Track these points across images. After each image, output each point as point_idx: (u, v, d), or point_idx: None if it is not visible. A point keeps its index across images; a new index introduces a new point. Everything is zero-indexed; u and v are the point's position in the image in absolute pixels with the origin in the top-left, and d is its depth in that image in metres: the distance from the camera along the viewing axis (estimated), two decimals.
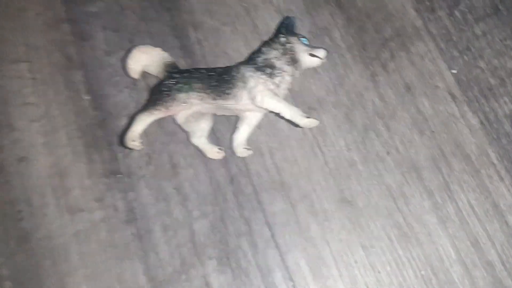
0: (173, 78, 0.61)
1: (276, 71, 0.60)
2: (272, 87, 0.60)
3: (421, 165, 0.63)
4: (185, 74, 0.61)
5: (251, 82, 0.59)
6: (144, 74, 0.65)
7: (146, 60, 0.63)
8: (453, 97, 0.65)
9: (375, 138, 0.64)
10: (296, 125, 0.58)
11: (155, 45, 0.65)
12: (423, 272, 0.60)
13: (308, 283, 0.60)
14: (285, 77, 0.60)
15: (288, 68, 0.60)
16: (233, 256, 0.61)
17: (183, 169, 0.64)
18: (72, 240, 0.62)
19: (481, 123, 0.64)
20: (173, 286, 0.60)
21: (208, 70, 0.62)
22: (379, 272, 0.60)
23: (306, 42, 0.62)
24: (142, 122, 0.60)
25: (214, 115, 0.64)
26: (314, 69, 0.67)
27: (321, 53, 0.61)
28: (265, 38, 0.67)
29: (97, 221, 0.62)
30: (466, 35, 0.68)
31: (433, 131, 0.64)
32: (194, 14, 0.69)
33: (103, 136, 0.65)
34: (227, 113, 0.64)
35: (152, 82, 0.66)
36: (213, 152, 0.62)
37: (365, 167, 0.63)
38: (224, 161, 0.64)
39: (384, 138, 0.64)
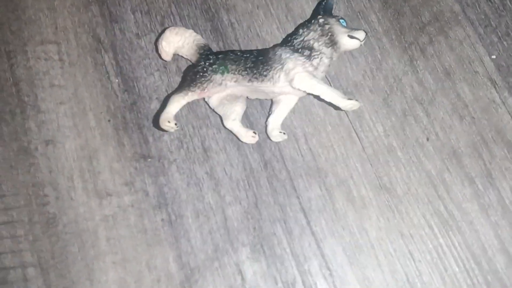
0: (208, 59, 0.59)
1: (314, 53, 0.59)
2: (310, 69, 0.58)
3: (462, 152, 0.61)
4: (220, 56, 0.60)
5: (289, 64, 0.58)
6: (175, 57, 0.64)
7: (178, 41, 0.61)
8: (493, 83, 0.64)
9: (414, 124, 0.62)
10: (337, 108, 0.56)
11: (186, 27, 0.64)
12: (465, 261, 0.58)
13: (346, 272, 0.58)
14: (324, 59, 0.59)
15: (326, 50, 0.59)
16: (267, 243, 0.59)
17: (215, 153, 0.62)
18: (100, 224, 0.60)
19: None
20: (205, 273, 0.58)
21: (244, 52, 0.61)
22: (419, 261, 0.58)
23: (345, 24, 0.61)
24: (177, 103, 0.58)
25: (248, 98, 0.63)
26: (350, 53, 0.65)
27: (360, 34, 0.59)
28: (299, 21, 0.66)
29: (126, 206, 0.60)
30: (505, 20, 0.66)
31: (473, 117, 0.62)
32: None
33: (133, 119, 0.64)
34: (261, 97, 0.62)
35: (183, 65, 0.65)
36: (248, 136, 0.61)
37: (404, 153, 0.61)
38: (258, 146, 0.62)
39: (424, 123, 0.62)
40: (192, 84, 0.59)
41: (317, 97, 0.57)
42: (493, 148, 0.62)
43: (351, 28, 0.61)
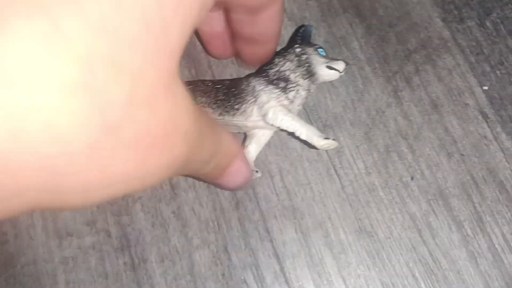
0: None
1: (290, 85, 0.55)
2: (285, 102, 0.54)
3: (449, 193, 0.57)
4: (189, 87, 0.56)
5: (263, 97, 0.54)
6: None
7: None
8: (485, 116, 0.60)
9: (398, 161, 0.58)
10: (312, 147, 0.52)
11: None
12: None
13: None
14: (300, 91, 0.55)
15: (303, 81, 0.55)
16: None
17: (183, 191, 0.58)
18: (59, 267, 0.56)
19: None
20: None
21: (215, 82, 0.57)
22: None
23: (324, 54, 0.57)
24: None
25: None
26: (330, 83, 0.61)
27: (340, 65, 0.56)
28: (279, 48, 0.62)
29: (87, 247, 0.57)
30: (499, 48, 0.62)
31: (462, 155, 0.58)
32: None
33: None
34: (234, 130, 0.59)
35: None
36: None
37: (386, 193, 0.57)
38: None
39: (408, 161, 0.58)
40: None
41: (292, 134, 0.53)
42: (484, 189, 0.58)
43: (331, 58, 0.57)
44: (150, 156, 0.28)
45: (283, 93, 0.55)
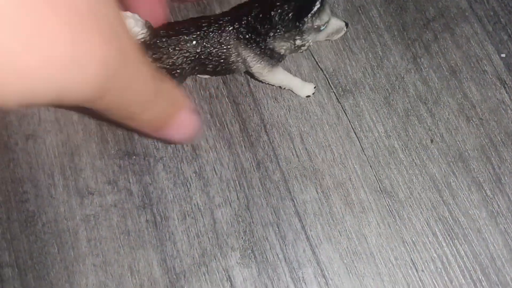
0: None
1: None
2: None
3: (469, 155, 0.60)
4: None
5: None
6: None
7: None
8: (503, 82, 0.63)
9: (418, 125, 0.62)
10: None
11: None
12: (472, 272, 0.56)
13: (343, 281, 0.57)
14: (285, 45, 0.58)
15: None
16: (258, 248, 0.58)
17: (204, 152, 0.62)
18: (80, 225, 0.59)
19: None
20: (191, 279, 0.57)
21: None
22: (422, 271, 0.56)
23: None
24: None
25: None
26: (349, 49, 0.65)
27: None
28: None
29: (108, 206, 0.60)
30: None
31: (481, 119, 0.62)
32: None
33: None
34: None
35: None
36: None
37: (406, 155, 0.61)
38: (250, 145, 0.61)
39: (428, 124, 0.62)
40: None
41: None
42: (502, 151, 0.61)
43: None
44: (78, 36, 0.29)
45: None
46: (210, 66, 0.56)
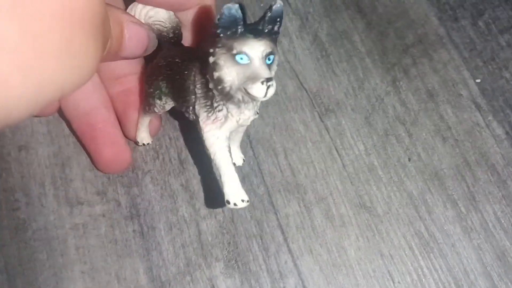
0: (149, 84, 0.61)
1: None
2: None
3: (444, 174, 0.66)
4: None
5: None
6: None
7: None
8: (478, 106, 0.69)
9: (396, 144, 0.67)
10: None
11: None
12: (446, 285, 0.61)
13: None
14: None
15: None
16: (242, 259, 0.62)
17: (191, 165, 0.67)
18: (69, 233, 0.64)
19: (507, 133, 0.68)
20: (176, 287, 0.61)
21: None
22: (399, 282, 0.61)
23: None
24: (140, 124, 0.63)
25: None
26: (332, 71, 0.71)
27: None
28: (284, 40, 0.71)
29: (97, 215, 0.64)
30: (491, 45, 0.73)
31: (456, 139, 0.68)
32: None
33: None
34: None
35: None
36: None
37: (385, 172, 0.66)
38: None
39: (406, 144, 0.67)
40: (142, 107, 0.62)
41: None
42: (476, 171, 0.67)
43: None
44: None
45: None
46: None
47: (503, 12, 0.79)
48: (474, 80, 0.75)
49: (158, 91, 0.59)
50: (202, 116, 0.49)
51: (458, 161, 0.70)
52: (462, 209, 0.68)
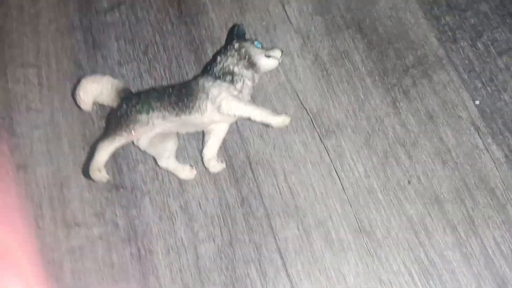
0: (130, 101, 0.60)
1: (236, 77, 0.61)
2: (235, 93, 0.60)
3: (444, 197, 0.60)
4: (142, 95, 0.61)
5: (214, 91, 0.60)
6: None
7: (96, 89, 0.61)
8: (477, 128, 0.63)
9: (396, 166, 0.61)
10: (268, 126, 0.60)
11: (169, 57, 0.63)
12: None
13: None
14: (246, 81, 0.62)
15: (247, 72, 0.62)
16: (240, 284, 0.57)
17: (191, 187, 0.61)
18: (66, 256, 0.58)
19: (506, 156, 0.62)
20: None
21: (166, 87, 0.63)
22: None
23: (260, 45, 0.64)
24: (105, 151, 0.58)
25: (178, 134, 0.63)
26: (333, 91, 0.64)
27: (276, 53, 0.63)
28: (286, 58, 0.65)
29: (94, 238, 0.58)
30: (489, 67, 0.67)
31: (456, 162, 0.62)
32: (212, 30, 0.68)
33: None
34: (192, 130, 0.62)
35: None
36: (186, 171, 0.61)
37: (385, 195, 0.60)
38: (235, 181, 0.61)
39: (405, 166, 0.61)
40: (118, 129, 0.57)
41: (248, 120, 0.59)
42: (476, 195, 0.61)
43: (267, 48, 0.64)
44: None
45: (231, 84, 0.60)
46: None
47: (501, 34, 0.71)
48: (474, 102, 0.68)
49: (146, 106, 0.58)
50: (222, 95, 0.59)
51: (458, 185, 0.63)
52: (462, 234, 0.61)
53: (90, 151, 0.61)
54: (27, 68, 0.66)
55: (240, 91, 0.60)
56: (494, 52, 0.70)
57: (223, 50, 0.63)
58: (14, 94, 0.65)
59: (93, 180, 0.58)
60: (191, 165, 0.62)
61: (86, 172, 0.59)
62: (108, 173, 0.58)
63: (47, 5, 0.70)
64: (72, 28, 0.69)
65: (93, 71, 0.66)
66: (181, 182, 0.62)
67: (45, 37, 0.68)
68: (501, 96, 0.67)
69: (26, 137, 0.63)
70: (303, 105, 0.66)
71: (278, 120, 0.59)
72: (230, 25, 0.69)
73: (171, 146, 0.61)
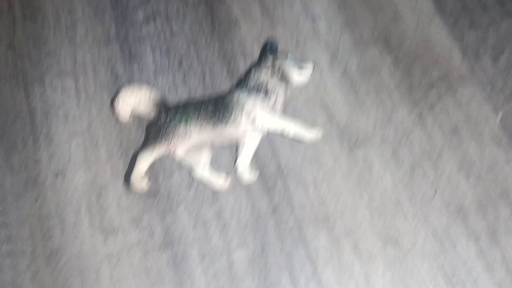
0: (168, 112, 0.60)
1: (269, 91, 0.61)
2: (269, 107, 0.60)
3: (468, 208, 0.60)
4: (179, 107, 0.61)
5: (249, 105, 0.60)
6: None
7: (135, 100, 0.60)
8: (499, 142, 0.63)
9: (422, 178, 0.61)
10: (301, 141, 0.60)
11: (203, 69, 0.63)
12: None
13: None
14: (279, 95, 0.62)
15: (280, 86, 0.62)
16: None
17: (224, 195, 0.60)
18: (103, 262, 0.57)
19: None
20: None
21: (202, 99, 0.63)
22: None
23: (292, 59, 0.64)
24: (145, 161, 0.58)
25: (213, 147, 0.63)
26: (361, 105, 0.64)
27: (309, 66, 0.64)
28: (315, 72, 0.65)
29: (131, 244, 0.58)
30: (511, 82, 0.65)
31: (479, 175, 0.61)
32: (244, 44, 0.68)
33: None
34: (225, 142, 0.61)
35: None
36: (221, 180, 0.61)
37: (411, 206, 0.60)
38: (267, 190, 0.60)
39: (431, 178, 0.61)
40: (157, 139, 0.57)
41: (282, 133, 0.60)
42: (498, 207, 0.60)
43: (299, 62, 0.64)
44: None
45: (265, 98, 0.60)
46: None
47: None
48: (496, 116, 0.68)
49: (184, 116, 0.59)
50: (257, 109, 0.60)
51: (481, 197, 0.63)
52: (484, 245, 0.61)
53: (131, 160, 0.61)
54: (65, 77, 0.66)
55: (274, 105, 0.60)
56: None
57: (257, 65, 0.63)
58: (52, 102, 0.64)
59: (134, 189, 0.58)
60: (227, 173, 0.61)
61: (128, 182, 0.59)
62: (148, 182, 0.58)
63: (83, 15, 0.70)
64: (108, 38, 0.68)
65: (130, 82, 0.66)
66: (214, 191, 0.61)
67: (82, 47, 0.68)
68: None
69: (64, 145, 0.62)
70: (332, 118, 0.65)
71: (311, 134, 0.59)
72: (261, 39, 0.68)
73: (205, 156, 0.61)
